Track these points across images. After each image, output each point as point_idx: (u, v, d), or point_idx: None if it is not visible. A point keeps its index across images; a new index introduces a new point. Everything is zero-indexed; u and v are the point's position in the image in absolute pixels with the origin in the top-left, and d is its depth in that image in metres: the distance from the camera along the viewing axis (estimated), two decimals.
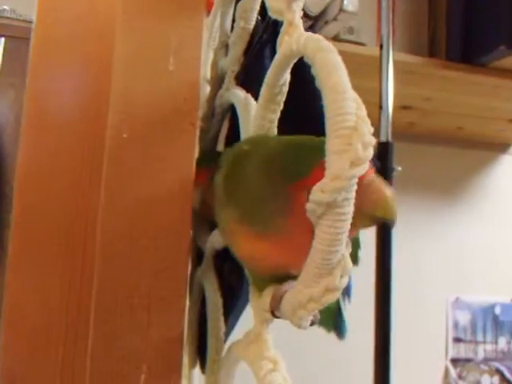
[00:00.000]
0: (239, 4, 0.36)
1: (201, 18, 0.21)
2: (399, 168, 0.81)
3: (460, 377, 1.30)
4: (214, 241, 0.34)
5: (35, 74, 0.20)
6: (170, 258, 0.20)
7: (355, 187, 0.18)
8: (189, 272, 0.21)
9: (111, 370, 0.18)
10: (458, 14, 0.97)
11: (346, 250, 0.19)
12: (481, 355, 1.32)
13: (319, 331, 0.36)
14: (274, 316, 0.24)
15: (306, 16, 0.83)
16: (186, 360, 0.40)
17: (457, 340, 1.32)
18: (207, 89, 0.49)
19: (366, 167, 0.18)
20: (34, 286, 0.19)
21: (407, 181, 1.31)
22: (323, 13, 0.83)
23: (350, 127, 0.18)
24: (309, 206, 0.18)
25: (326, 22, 0.84)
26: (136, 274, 0.19)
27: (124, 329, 0.18)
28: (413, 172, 1.32)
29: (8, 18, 0.89)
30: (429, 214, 1.35)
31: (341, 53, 0.83)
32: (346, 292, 0.36)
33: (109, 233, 0.20)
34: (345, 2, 0.80)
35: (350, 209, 0.18)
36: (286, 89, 0.29)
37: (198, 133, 0.23)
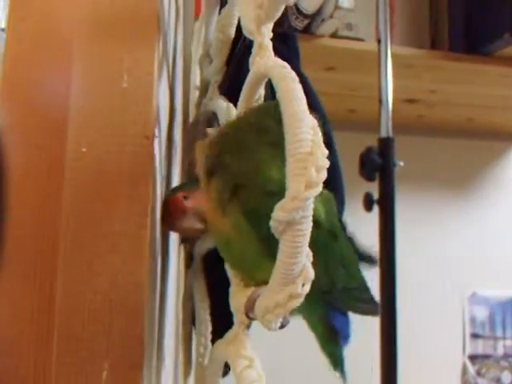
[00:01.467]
0: (218, 18, 0.37)
1: (153, 37, 0.23)
2: (401, 163, 0.80)
3: (479, 374, 1.28)
4: (202, 245, 0.38)
5: (7, 82, 0.22)
6: (130, 262, 0.22)
7: (312, 206, 0.20)
8: (147, 275, 0.22)
9: (75, 369, 0.20)
10: (460, 4, 0.95)
11: (306, 260, 0.21)
12: (500, 351, 1.29)
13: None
14: (249, 318, 0.26)
15: (302, 15, 0.83)
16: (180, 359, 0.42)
17: (474, 336, 1.29)
18: (196, 94, 0.49)
19: (319, 189, 0.20)
20: (8, 294, 0.21)
21: (419, 174, 1.29)
22: (319, 11, 0.82)
23: (306, 152, 0.20)
24: (272, 223, 0.20)
25: (323, 20, 0.84)
26: (96, 278, 0.21)
27: (86, 331, 0.21)
28: (424, 165, 1.30)
29: None
30: (442, 208, 1.32)
31: (340, 49, 0.82)
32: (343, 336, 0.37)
33: (71, 241, 0.22)
34: None
35: (307, 225, 0.20)
36: (261, 102, 0.30)
37: (155, 145, 0.24)
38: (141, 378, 0.22)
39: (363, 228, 0.45)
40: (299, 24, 0.84)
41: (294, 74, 0.23)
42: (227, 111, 0.36)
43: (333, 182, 0.52)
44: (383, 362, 0.75)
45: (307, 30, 0.86)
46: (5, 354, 0.20)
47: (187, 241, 0.45)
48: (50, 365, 0.20)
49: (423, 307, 1.19)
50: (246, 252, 0.29)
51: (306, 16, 0.82)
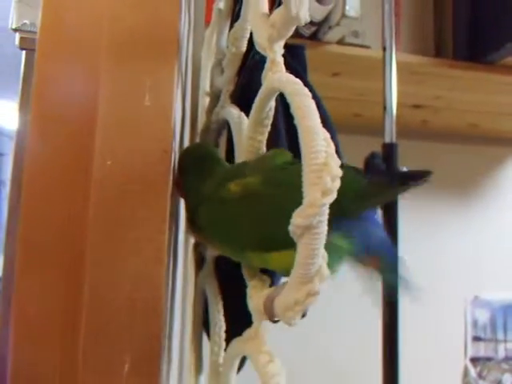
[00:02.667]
0: (231, 32, 0.38)
1: (173, 59, 0.25)
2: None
3: (480, 376, 1.29)
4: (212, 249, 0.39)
5: (40, 85, 0.24)
6: (151, 265, 0.24)
7: (327, 211, 0.22)
8: (165, 276, 0.25)
9: (100, 360, 0.23)
10: (464, 13, 0.97)
11: (322, 261, 0.23)
12: (502, 354, 1.30)
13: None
14: (271, 319, 0.27)
15: (309, 22, 0.84)
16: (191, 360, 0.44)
17: (476, 339, 1.30)
18: (207, 101, 0.51)
19: (334, 196, 0.22)
20: (39, 290, 0.23)
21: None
22: (326, 18, 0.84)
23: (321, 163, 0.21)
24: (291, 228, 0.22)
25: (330, 28, 0.85)
26: (120, 279, 0.23)
27: (110, 327, 0.23)
28: (430, 169, 1.31)
29: (29, 31, 0.93)
30: (445, 212, 1.33)
31: (346, 56, 0.84)
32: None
33: (98, 245, 0.24)
34: (347, 8, 0.80)
35: (323, 229, 0.22)
36: (272, 113, 0.32)
37: (172, 157, 0.26)
38: (159, 370, 0.23)
39: None
40: (306, 31, 0.86)
41: (306, 90, 0.24)
42: (239, 120, 0.38)
43: None
44: (385, 364, 0.77)
45: (314, 37, 0.87)
46: (35, 342, 0.22)
47: (199, 243, 0.47)
48: (77, 356, 0.22)
49: (425, 310, 1.20)
50: (244, 259, 0.31)
51: (313, 23, 0.84)
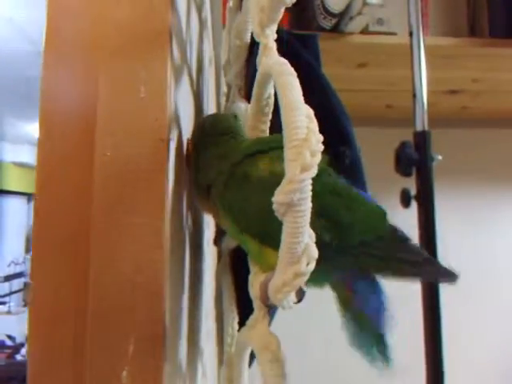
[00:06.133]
0: (234, 25, 0.39)
1: (166, 51, 0.26)
2: (439, 157, 0.77)
3: None
4: (229, 241, 0.40)
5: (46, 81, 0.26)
6: (151, 251, 0.25)
7: (309, 188, 0.21)
8: (166, 263, 0.25)
9: (105, 342, 0.24)
10: None
11: (309, 240, 0.22)
12: None
13: None
14: (264, 303, 0.27)
15: (329, 14, 0.83)
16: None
17: None
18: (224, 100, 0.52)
19: (314, 171, 0.21)
20: (52, 277, 0.25)
21: (465, 168, 1.23)
22: (347, 9, 0.82)
23: (301, 139, 0.21)
24: (274, 206, 0.22)
25: (351, 18, 0.83)
26: (122, 265, 0.25)
27: (114, 310, 0.24)
28: (471, 158, 1.24)
29: None
30: (491, 204, 1.25)
31: (371, 45, 0.82)
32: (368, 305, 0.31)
33: (100, 231, 0.25)
34: None
35: (306, 207, 0.21)
36: (271, 101, 0.32)
37: (171, 145, 0.27)
38: (163, 351, 0.24)
39: (402, 226, 0.40)
40: (327, 23, 0.85)
41: (292, 70, 0.24)
42: (246, 113, 0.39)
43: (355, 177, 0.52)
44: (429, 362, 0.73)
45: (336, 29, 0.86)
46: (50, 324, 0.24)
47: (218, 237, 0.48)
48: (85, 338, 0.23)
49: (470, 307, 1.13)
50: (244, 244, 0.31)
51: (333, 15, 0.83)
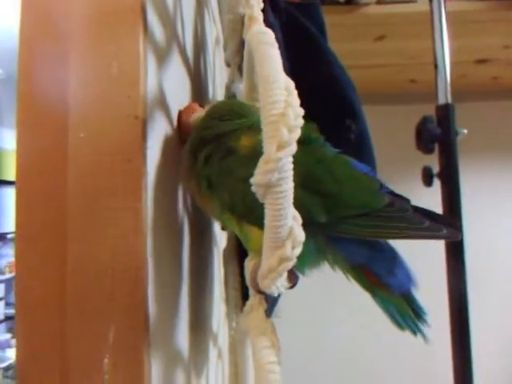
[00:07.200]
0: (227, 2, 0.37)
1: (137, 27, 0.25)
2: (465, 131, 0.72)
3: None
4: None
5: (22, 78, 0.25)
6: (130, 234, 0.24)
7: (290, 166, 0.20)
8: (145, 246, 0.24)
9: (86, 329, 0.23)
10: None
11: (293, 222, 0.21)
12: None
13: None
14: (256, 290, 0.26)
15: None
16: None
17: None
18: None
19: (293, 148, 0.19)
20: (35, 266, 0.25)
21: (497, 141, 1.16)
22: None
23: (278, 114, 0.19)
24: (253, 189, 0.20)
25: None
26: (99, 250, 0.24)
27: (93, 297, 0.24)
28: (503, 131, 1.16)
29: None
30: None
31: (389, 15, 0.76)
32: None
33: (77, 217, 0.24)
34: None
35: (287, 187, 0.20)
36: None
37: (149, 123, 0.26)
38: (146, 338, 0.23)
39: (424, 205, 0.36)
40: None
41: (272, 39, 0.22)
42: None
43: (361, 153, 0.49)
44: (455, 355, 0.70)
45: (350, 1, 0.82)
46: (31, 314, 0.24)
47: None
48: (66, 325, 0.23)
49: (496, 288, 1.08)
50: (228, 225, 0.30)
51: None
